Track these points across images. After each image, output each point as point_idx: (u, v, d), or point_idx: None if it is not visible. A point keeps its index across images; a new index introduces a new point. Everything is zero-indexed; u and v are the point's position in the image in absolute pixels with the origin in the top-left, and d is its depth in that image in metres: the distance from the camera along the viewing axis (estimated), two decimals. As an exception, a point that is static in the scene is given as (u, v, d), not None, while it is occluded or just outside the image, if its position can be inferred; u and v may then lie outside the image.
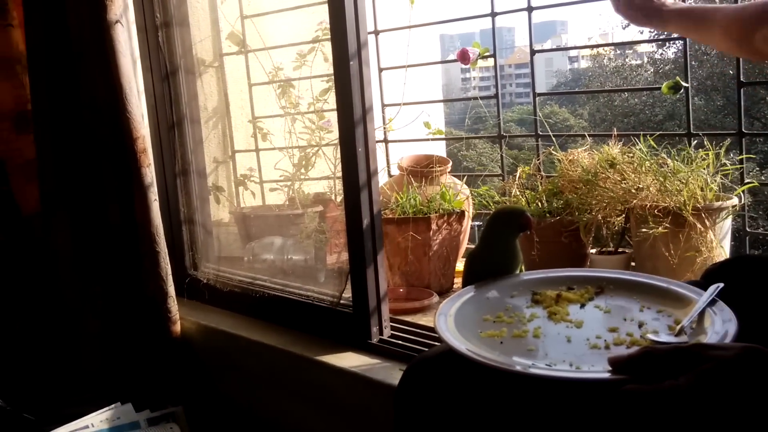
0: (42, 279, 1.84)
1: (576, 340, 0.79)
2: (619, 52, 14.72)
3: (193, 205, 1.93)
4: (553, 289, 0.91)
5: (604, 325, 0.81)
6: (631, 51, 14.81)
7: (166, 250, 1.75)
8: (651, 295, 0.87)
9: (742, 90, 1.54)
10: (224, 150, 2.09)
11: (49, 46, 1.72)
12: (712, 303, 0.78)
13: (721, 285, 0.80)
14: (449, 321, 0.84)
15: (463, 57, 1.88)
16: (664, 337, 0.76)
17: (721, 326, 0.73)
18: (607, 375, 0.67)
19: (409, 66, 1.98)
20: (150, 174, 1.71)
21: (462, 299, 0.91)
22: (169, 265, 1.76)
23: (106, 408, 1.62)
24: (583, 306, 0.88)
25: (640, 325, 0.81)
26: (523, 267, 1.06)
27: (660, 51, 13.76)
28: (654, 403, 0.60)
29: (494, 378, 0.76)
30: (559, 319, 0.84)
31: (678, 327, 0.77)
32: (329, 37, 1.44)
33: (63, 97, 1.74)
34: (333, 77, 1.43)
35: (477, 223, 1.99)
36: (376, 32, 2.08)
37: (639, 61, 14.59)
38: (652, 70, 13.93)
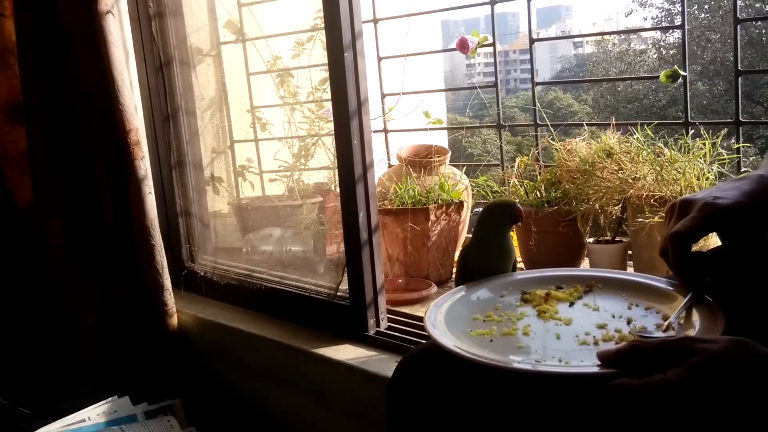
0: (38, 273, 1.84)
1: (565, 337, 0.79)
2: (623, 37, 14.63)
3: (189, 197, 1.92)
4: (542, 289, 0.91)
5: (593, 322, 0.82)
6: (635, 36, 14.72)
7: (162, 243, 1.75)
8: (639, 293, 0.87)
9: (740, 77, 1.52)
10: (223, 140, 2.08)
11: (39, 37, 1.71)
12: (699, 298, 0.77)
13: (707, 280, 0.79)
14: (439, 320, 0.83)
15: (462, 46, 1.86)
16: (654, 333, 0.76)
17: (708, 321, 0.72)
18: (595, 369, 0.67)
19: (408, 55, 1.96)
20: (144, 166, 1.70)
21: (452, 299, 0.91)
22: (165, 258, 1.76)
23: (103, 401, 1.62)
24: (572, 304, 0.88)
25: (629, 322, 0.81)
26: (516, 261, 1.05)
27: (664, 36, 13.67)
28: (643, 397, 0.60)
29: (485, 374, 0.75)
30: (549, 317, 0.84)
31: (666, 323, 0.77)
32: (328, 25, 1.43)
33: (54, 89, 1.73)
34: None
35: (477, 209, 1.98)
36: (375, 20, 2.05)
37: (643, 46, 14.51)
38: (656, 55, 13.86)
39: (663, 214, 1.33)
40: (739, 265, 0.78)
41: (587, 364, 0.70)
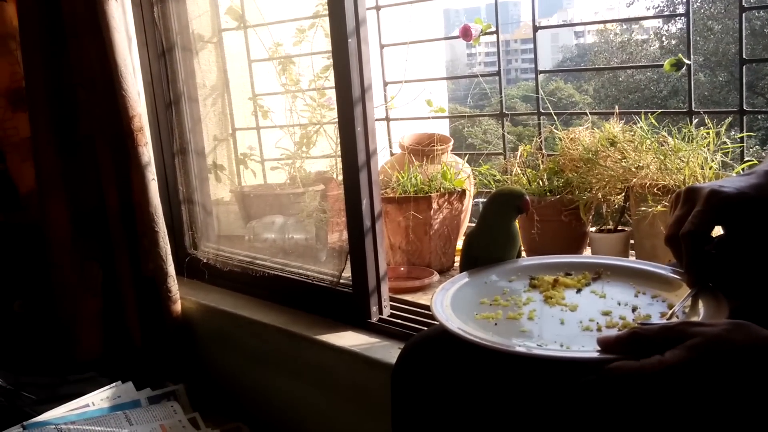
0: (41, 259, 1.84)
1: (569, 323, 0.79)
2: (625, 27, 14.57)
3: (192, 184, 1.92)
4: (551, 275, 0.91)
5: (598, 309, 0.82)
6: (637, 26, 14.65)
7: (165, 230, 1.75)
8: (647, 281, 0.87)
9: (744, 66, 1.52)
10: (224, 128, 2.08)
11: (41, 22, 1.70)
12: (705, 287, 0.77)
13: (712, 271, 0.79)
14: (446, 303, 0.84)
15: (465, 33, 1.86)
16: (656, 321, 0.76)
17: (712, 309, 0.73)
18: (594, 354, 0.67)
19: (410, 42, 1.96)
20: (147, 153, 1.70)
21: (460, 283, 0.91)
22: (169, 244, 1.76)
23: (107, 387, 1.63)
24: (579, 291, 0.88)
25: (634, 310, 0.81)
26: (521, 249, 1.06)
27: (666, 26, 13.61)
28: (641, 379, 0.60)
29: (488, 358, 0.76)
30: (555, 303, 0.85)
31: (670, 312, 0.77)
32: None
33: (56, 74, 1.72)
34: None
35: (480, 200, 1.99)
36: (377, 7, 2.05)
37: (645, 36, 14.45)
38: (657, 45, 13.80)
39: (667, 203, 1.34)
40: (742, 255, 0.78)
41: (587, 349, 0.70)
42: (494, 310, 0.84)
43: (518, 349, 0.73)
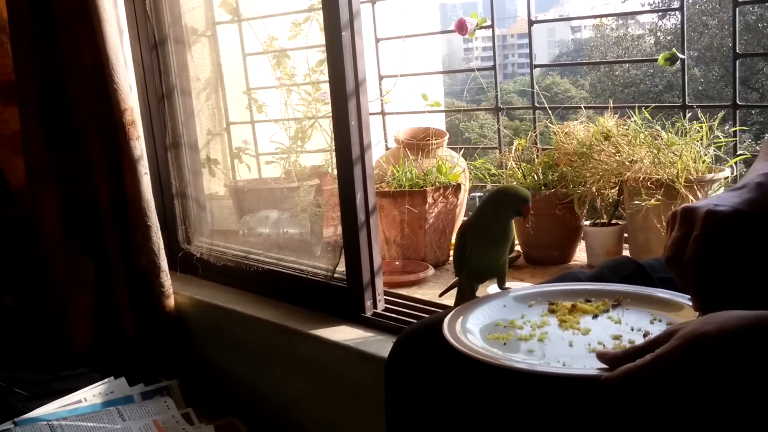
0: (32, 254, 1.83)
1: (577, 345, 0.80)
2: (621, 22, 14.59)
3: (185, 178, 1.91)
4: (571, 301, 0.91)
5: (610, 333, 0.82)
6: (633, 21, 14.68)
7: (158, 224, 1.74)
8: (666, 308, 0.86)
9: (738, 61, 1.51)
10: (218, 122, 2.07)
11: (32, 15, 1.68)
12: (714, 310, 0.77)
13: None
14: (458, 325, 0.84)
15: (461, 27, 1.85)
16: None
17: None
18: (587, 371, 0.68)
19: (406, 36, 1.95)
20: (140, 147, 1.69)
21: (478, 305, 0.92)
22: (162, 239, 1.75)
23: (100, 382, 1.63)
24: (596, 317, 0.88)
25: (645, 335, 0.81)
26: (515, 243, 1.05)
27: (661, 22, 13.64)
28: (638, 376, 0.61)
29: (487, 370, 0.76)
30: (568, 327, 0.85)
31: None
32: (324, 5, 1.41)
33: (47, 68, 1.71)
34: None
35: (477, 194, 1.99)
36: (373, 1, 2.04)
37: (641, 32, 14.47)
38: (653, 40, 13.82)
39: (660, 197, 1.34)
40: (739, 270, 0.77)
41: (587, 368, 0.70)
42: (507, 332, 0.84)
43: (502, 362, 0.74)
